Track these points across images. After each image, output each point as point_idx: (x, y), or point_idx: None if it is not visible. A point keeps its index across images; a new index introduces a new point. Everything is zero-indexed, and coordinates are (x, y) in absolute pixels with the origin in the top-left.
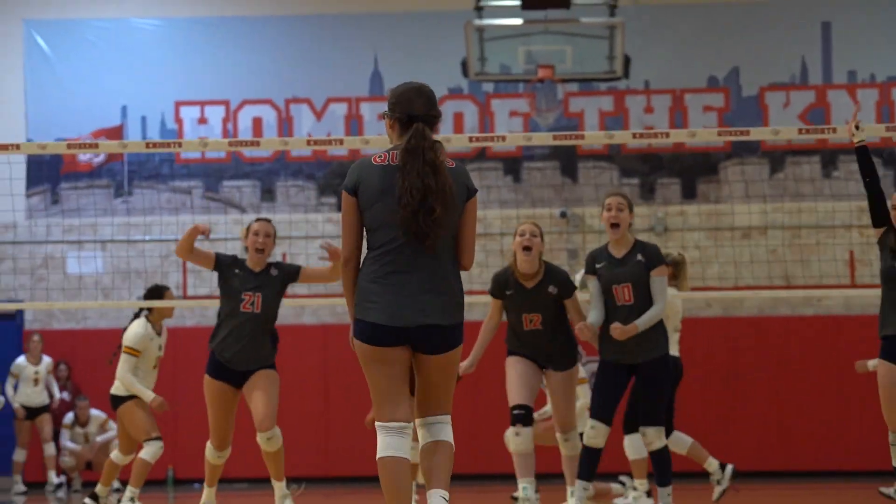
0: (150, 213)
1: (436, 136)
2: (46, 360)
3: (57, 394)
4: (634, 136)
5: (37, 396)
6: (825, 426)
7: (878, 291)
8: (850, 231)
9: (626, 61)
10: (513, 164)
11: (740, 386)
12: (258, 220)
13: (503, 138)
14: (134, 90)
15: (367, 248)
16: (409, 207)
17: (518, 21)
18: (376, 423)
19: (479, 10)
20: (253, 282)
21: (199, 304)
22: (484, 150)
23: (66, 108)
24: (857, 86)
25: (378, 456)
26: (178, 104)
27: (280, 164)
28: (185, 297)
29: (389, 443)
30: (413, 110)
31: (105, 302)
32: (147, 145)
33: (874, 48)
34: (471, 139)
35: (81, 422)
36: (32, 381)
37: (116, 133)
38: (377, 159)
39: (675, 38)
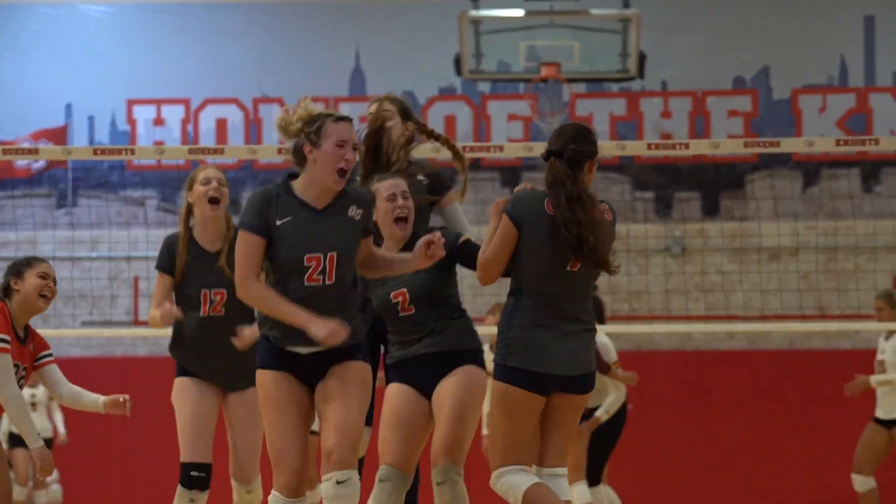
0: (98, 227)
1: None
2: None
3: (61, 427)
4: (650, 146)
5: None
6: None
7: None
8: (893, 254)
9: (642, 59)
10: (511, 175)
11: (768, 427)
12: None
13: (500, 148)
14: (80, 86)
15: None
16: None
17: (519, 12)
18: (510, 468)
19: None
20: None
21: (152, 333)
22: (479, 160)
23: (2, 106)
24: None
25: (529, 485)
26: (130, 103)
27: (247, 172)
28: (135, 323)
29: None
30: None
31: (44, 330)
32: (95, 152)
33: None
34: (463, 148)
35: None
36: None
37: (60, 135)
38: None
39: (697, 33)
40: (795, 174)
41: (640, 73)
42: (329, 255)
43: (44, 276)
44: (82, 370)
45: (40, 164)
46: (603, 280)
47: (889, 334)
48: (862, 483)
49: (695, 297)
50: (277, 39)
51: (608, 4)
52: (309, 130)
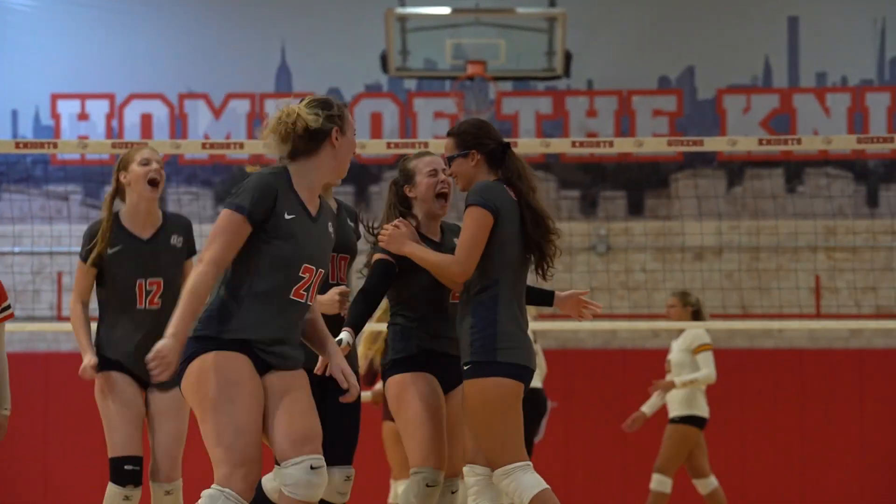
0: (21, 222)
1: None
2: None
3: None
4: (574, 144)
5: None
6: (785, 468)
7: (846, 323)
8: (815, 254)
9: (567, 58)
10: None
11: None
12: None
13: (425, 145)
14: (4, 80)
15: (497, 283)
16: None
17: (445, 10)
18: (518, 465)
19: None
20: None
21: None
22: (404, 157)
23: None
24: (827, 89)
25: (538, 491)
26: (54, 97)
27: (172, 167)
28: (59, 318)
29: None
30: (500, 137)
31: None
32: (17, 145)
33: (846, 47)
34: (389, 145)
35: None
36: None
37: None
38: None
39: (623, 32)
40: (719, 174)
41: (566, 71)
42: (320, 271)
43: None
44: None
45: None
46: (528, 278)
47: (678, 334)
48: (661, 483)
49: (619, 296)
50: (203, 35)
51: (534, 3)
52: (334, 114)
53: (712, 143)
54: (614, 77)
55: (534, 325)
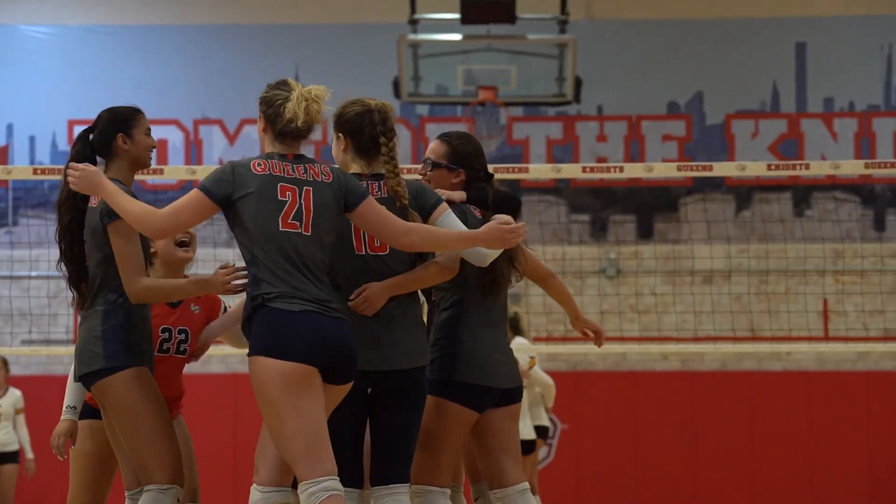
0: (38, 246)
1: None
2: (15, 394)
3: (26, 441)
4: (585, 169)
5: None
6: (794, 490)
7: (854, 346)
8: (823, 277)
9: (578, 84)
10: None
11: (701, 447)
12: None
13: None
14: (21, 107)
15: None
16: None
17: (457, 37)
18: (437, 489)
19: (414, 23)
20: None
21: None
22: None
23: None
24: (834, 114)
25: None
26: (71, 123)
27: (187, 192)
28: (75, 342)
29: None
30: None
31: None
32: (35, 171)
33: (853, 73)
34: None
35: None
36: None
37: (1, 155)
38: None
39: (633, 58)
40: (728, 198)
41: (577, 97)
42: None
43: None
44: (22, 388)
45: None
46: (538, 301)
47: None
48: None
49: (629, 319)
50: (218, 61)
51: (545, 30)
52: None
53: (722, 169)
54: (624, 102)
55: (544, 348)
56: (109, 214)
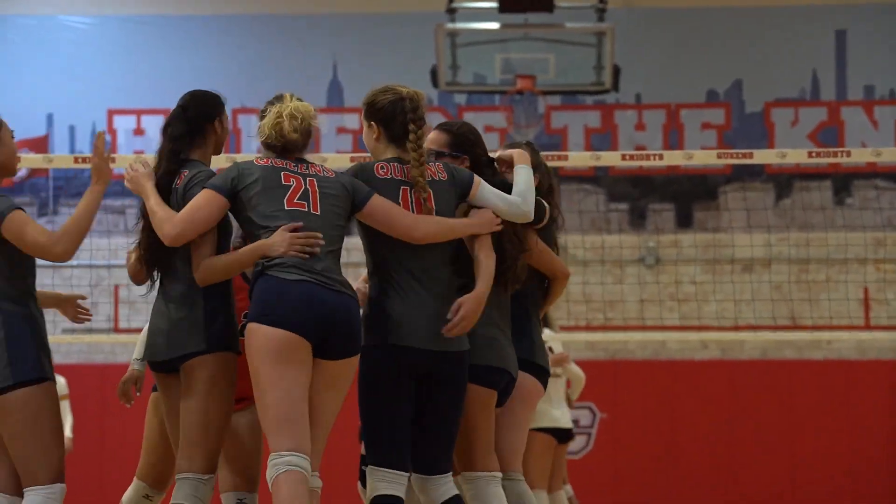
0: None
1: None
2: (60, 381)
3: (69, 424)
4: (625, 157)
5: None
6: (836, 480)
7: (895, 334)
8: (864, 266)
9: (616, 72)
10: None
11: (741, 436)
12: None
13: None
14: (61, 97)
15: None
16: None
17: (495, 25)
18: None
19: (452, 12)
20: None
21: (132, 340)
22: None
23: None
24: (875, 102)
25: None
26: (111, 113)
27: None
28: (116, 330)
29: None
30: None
31: None
32: (76, 160)
33: (894, 60)
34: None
35: None
36: None
37: (41, 145)
38: None
39: (671, 46)
40: (768, 186)
41: (615, 85)
42: None
43: None
44: (62, 376)
45: (22, 172)
46: (577, 290)
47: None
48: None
49: (669, 307)
50: (256, 51)
51: (583, 18)
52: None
53: (763, 156)
54: (662, 90)
55: (583, 337)
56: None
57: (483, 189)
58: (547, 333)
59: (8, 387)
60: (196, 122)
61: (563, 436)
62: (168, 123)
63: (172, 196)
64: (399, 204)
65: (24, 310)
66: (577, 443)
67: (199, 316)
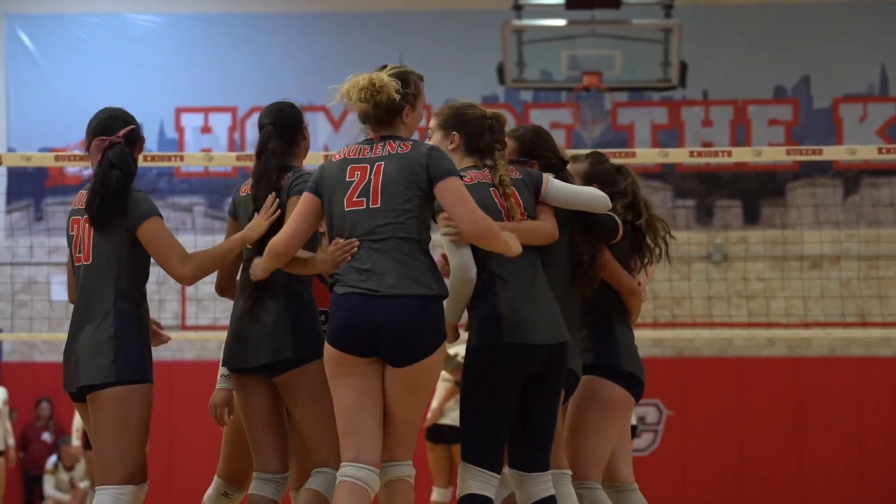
0: None
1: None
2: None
3: (11, 438)
4: (692, 153)
5: None
6: None
7: None
8: None
9: (683, 68)
10: None
11: (809, 434)
12: None
13: None
14: (129, 94)
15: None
16: None
17: (561, 22)
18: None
19: (518, 9)
20: None
21: (199, 337)
22: None
23: (53, 113)
24: None
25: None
26: (178, 111)
27: None
28: (182, 328)
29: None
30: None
31: None
32: (144, 158)
33: None
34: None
35: (67, 466)
36: None
37: None
38: None
39: (738, 42)
40: (836, 183)
41: (682, 82)
42: None
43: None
44: None
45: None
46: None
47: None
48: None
49: (736, 304)
50: (322, 49)
51: (650, 14)
52: (409, 92)
53: (832, 153)
54: (730, 87)
55: (651, 333)
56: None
57: (554, 184)
58: None
59: (109, 383)
60: (289, 132)
61: None
62: (267, 141)
63: (281, 194)
64: (494, 202)
65: (136, 311)
66: (643, 440)
67: (301, 322)
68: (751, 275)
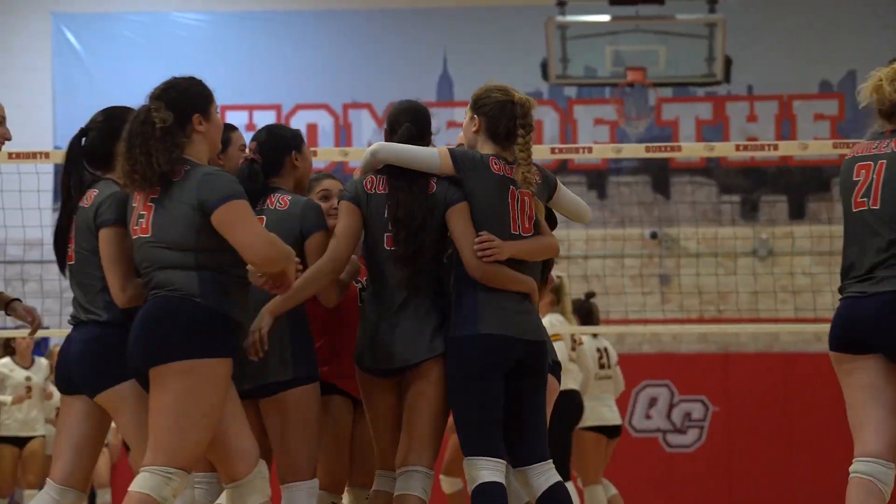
0: None
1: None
2: (42, 363)
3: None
4: (738, 147)
5: (27, 417)
6: None
7: None
8: None
9: (727, 63)
10: (598, 179)
11: None
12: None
13: (589, 149)
14: None
15: None
16: None
17: (605, 18)
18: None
19: (562, 5)
20: None
21: None
22: (566, 162)
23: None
24: None
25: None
26: (223, 109)
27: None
28: None
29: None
30: None
31: None
32: None
33: None
34: (553, 150)
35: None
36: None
37: None
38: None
39: (783, 37)
40: None
41: (726, 77)
42: None
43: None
44: None
45: None
46: (690, 281)
47: None
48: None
49: (782, 299)
50: (366, 46)
51: (694, 9)
52: None
53: None
54: (775, 82)
55: (697, 329)
56: None
57: (563, 190)
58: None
59: (286, 382)
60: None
61: (612, 432)
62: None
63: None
64: (508, 203)
65: (303, 310)
66: (689, 436)
67: (435, 325)
68: (797, 270)
